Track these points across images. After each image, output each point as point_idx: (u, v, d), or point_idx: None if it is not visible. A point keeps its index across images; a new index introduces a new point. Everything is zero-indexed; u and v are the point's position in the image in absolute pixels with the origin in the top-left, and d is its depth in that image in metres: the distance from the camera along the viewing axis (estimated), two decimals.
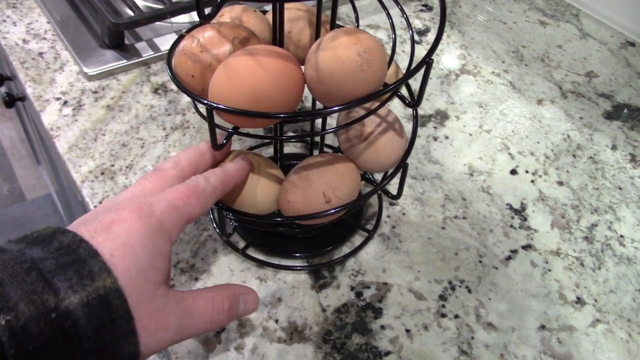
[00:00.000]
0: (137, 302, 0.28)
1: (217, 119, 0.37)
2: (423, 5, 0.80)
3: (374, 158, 0.41)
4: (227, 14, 0.44)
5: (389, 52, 0.43)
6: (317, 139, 0.52)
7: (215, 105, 0.33)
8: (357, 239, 0.51)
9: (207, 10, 0.32)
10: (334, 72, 0.33)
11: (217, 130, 0.37)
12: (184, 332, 0.32)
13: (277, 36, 0.39)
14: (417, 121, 0.44)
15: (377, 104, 0.38)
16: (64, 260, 0.27)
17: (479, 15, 0.79)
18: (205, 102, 0.33)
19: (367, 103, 0.35)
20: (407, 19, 0.40)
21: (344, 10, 0.77)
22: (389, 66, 0.39)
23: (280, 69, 0.33)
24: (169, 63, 0.39)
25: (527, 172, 0.58)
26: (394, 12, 0.44)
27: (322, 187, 0.39)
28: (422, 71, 0.36)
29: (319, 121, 0.51)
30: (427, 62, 0.34)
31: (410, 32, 0.41)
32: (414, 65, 0.35)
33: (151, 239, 0.30)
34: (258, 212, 0.42)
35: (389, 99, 0.39)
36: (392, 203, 0.54)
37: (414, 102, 0.38)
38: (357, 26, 0.43)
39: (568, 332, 0.46)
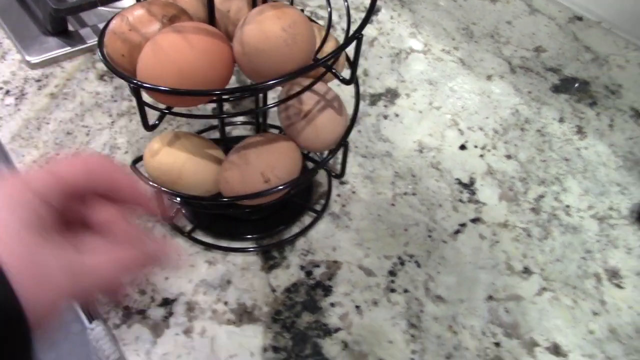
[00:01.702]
0: (3, 246, 0.26)
1: (152, 100, 0.36)
2: None
3: (313, 136, 0.41)
4: None
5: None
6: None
7: (141, 84, 0.32)
8: (308, 219, 0.51)
9: None
10: (259, 46, 0.32)
11: (150, 111, 0.36)
12: (76, 279, 0.29)
13: (209, 13, 0.38)
14: (358, 99, 0.44)
15: (310, 80, 0.38)
16: None
17: None
18: (133, 81, 0.33)
19: (295, 78, 0.35)
20: None
21: None
22: (324, 42, 0.38)
23: (207, 45, 0.33)
24: (99, 44, 0.38)
25: (476, 147, 0.59)
26: None
27: (261, 167, 0.39)
28: (356, 46, 0.36)
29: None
30: (357, 37, 0.34)
31: (346, 4, 0.40)
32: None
33: (8, 199, 0.28)
34: (200, 194, 0.41)
35: (323, 75, 0.38)
36: (342, 182, 0.54)
37: (350, 79, 0.38)
38: (291, 2, 0.43)
39: (515, 301, 0.47)
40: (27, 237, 0.27)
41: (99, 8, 0.67)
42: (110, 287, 0.32)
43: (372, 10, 0.35)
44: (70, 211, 0.31)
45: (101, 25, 0.67)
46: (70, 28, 0.67)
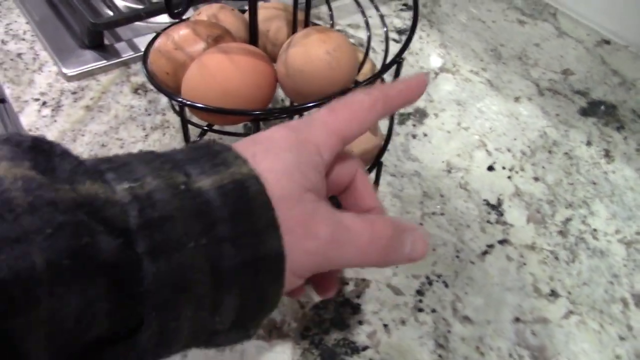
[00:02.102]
0: (281, 199, 0.24)
1: (195, 118, 0.37)
2: (403, 5, 0.81)
3: None
4: (204, 12, 0.44)
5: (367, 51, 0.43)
6: None
7: (186, 102, 0.33)
8: None
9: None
10: (304, 69, 0.33)
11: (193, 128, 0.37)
12: (338, 250, 0.26)
13: (252, 34, 0.39)
14: (393, 119, 0.45)
15: None
16: (197, 154, 0.24)
17: (459, 14, 0.80)
18: (177, 99, 0.34)
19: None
20: (381, 17, 0.41)
21: (326, 10, 0.77)
22: (362, 65, 0.39)
23: (251, 65, 0.34)
24: (144, 61, 0.39)
25: (503, 168, 0.59)
26: (373, 12, 0.44)
27: None
28: (396, 70, 0.37)
29: None
30: (397, 61, 0.35)
31: (385, 30, 0.41)
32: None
33: (297, 147, 0.26)
34: None
35: None
36: None
37: None
38: (332, 25, 0.44)
39: (542, 324, 0.47)
40: (303, 193, 0.25)
41: (135, 23, 0.69)
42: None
43: (412, 35, 0.35)
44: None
45: (136, 40, 0.69)
46: (106, 42, 0.69)
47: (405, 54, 0.72)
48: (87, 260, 0.20)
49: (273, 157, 0.25)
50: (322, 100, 0.34)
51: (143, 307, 0.22)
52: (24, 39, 0.70)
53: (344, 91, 0.34)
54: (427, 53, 0.73)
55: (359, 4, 0.40)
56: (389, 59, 0.39)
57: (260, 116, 0.33)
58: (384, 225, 0.28)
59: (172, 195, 0.22)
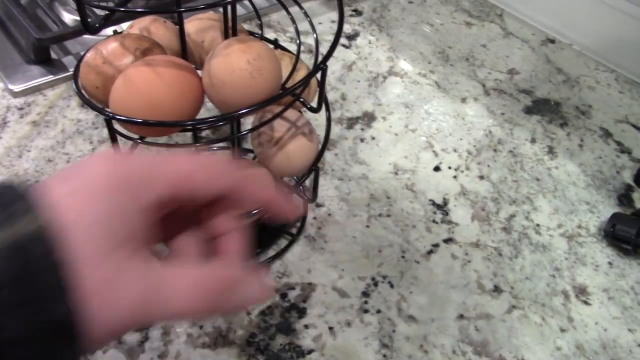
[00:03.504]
0: (84, 257, 0.22)
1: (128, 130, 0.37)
2: (353, 10, 0.82)
3: (284, 162, 0.42)
4: (137, 25, 0.44)
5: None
6: None
7: (112, 115, 0.33)
8: (284, 242, 0.52)
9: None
10: (225, 79, 0.34)
11: (124, 140, 0.38)
12: (154, 306, 0.24)
13: (182, 46, 0.39)
14: (329, 125, 0.46)
15: (280, 108, 0.39)
16: None
17: (407, 18, 0.81)
18: (104, 112, 0.34)
19: (261, 109, 0.36)
20: (310, 23, 0.41)
21: (275, 17, 0.78)
22: (293, 72, 0.40)
23: (176, 77, 0.34)
24: (74, 75, 0.39)
25: (449, 168, 0.60)
26: (324, 17, 0.45)
27: None
28: (321, 75, 0.38)
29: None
30: (321, 67, 0.35)
31: (315, 36, 0.42)
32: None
33: (115, 185, 0.23)
34: None
35: (292, 103, 0.40)
36: (318, 205, 0.55)
37: (317, 107, 0.40)
38: (262, 33, 0.44)
39: (485, 319, 0.48)
40: (113, 250, 0.23)
41: (83, 36, 0.68)
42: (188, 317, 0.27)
43: (335, 44, 0.36)
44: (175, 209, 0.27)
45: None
46: (54, 56, 0.68)
47: (355, 59, 0.73)
48: None
49: (81, 204, 0.22)
50: (247, 109, 0.35)
51: None
52: None
53: (268, 100, 0.35)
54: (375, 57, 0.74)
55: (288, 12, 0.41)
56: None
57: (185, 126, 0.33)
58: (214, 278, 0.26)
59: None
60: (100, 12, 0.33)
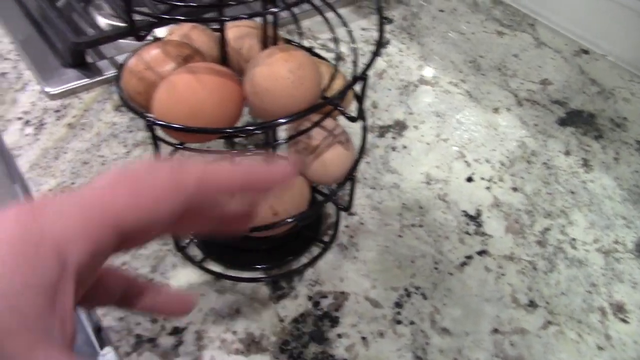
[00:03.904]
0: None
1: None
2: (384, 19, 0.82)
3: (321, 171, 0.42)
4: (177, 32, 0.44)
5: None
6: None
7: (153, 120, 0.34)
8: (316, 250, 0.52)
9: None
10: (268, 87, 0.34)
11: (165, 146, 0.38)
12: None
13: (222, 53, 0.40)
14: (366, 134, 0.45)
15: (318, 117, 0.39)
16: None
17: (438, 27, 0.81)
18: (146, 118, 0.34)
19: (301, 118, 0.36)
20: (349, 33, 0.41)
21: (307, 24, 0.78)
22: (331, 80, 0.40)
23: (217, 84, 0.34)
24: (117, 81, 0.39)
25: (482, 179, 0.60)
26: (354, 25, 0.45)
27: (270, 200, 0.40)
28: (362, 86, 0.37)
29: None
30: (361, 78, 0.35)
31: (354, 47, 0.42)
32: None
33: (17, 260, 0.19)
34: None
35: (330, 112, 0.40)
36: (350, 213, 0.55)
37: (356, 116, 0.39)
38: (300, 42, 0.44)
39: (520, 334, 0.47)
40: (25, 331, 0.19)
41: (118, 41, 0.69)
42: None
43: (376, 54, 0.36)
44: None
45: (119, 58, 0.70)
46: (89, 60, 0.69)
47: (386, 67, 0.73)
48: None
49: None
50: (287, 118, 0.35)
51: None
52: (7, 59, 0.70)
53: (309, 109, 0.35)
54: (406, 65, 0.73)
55: (326, 20, 0.41)
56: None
57: (225, 134, 0.33)
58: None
59: None
60: (137, 17, 0.34)
